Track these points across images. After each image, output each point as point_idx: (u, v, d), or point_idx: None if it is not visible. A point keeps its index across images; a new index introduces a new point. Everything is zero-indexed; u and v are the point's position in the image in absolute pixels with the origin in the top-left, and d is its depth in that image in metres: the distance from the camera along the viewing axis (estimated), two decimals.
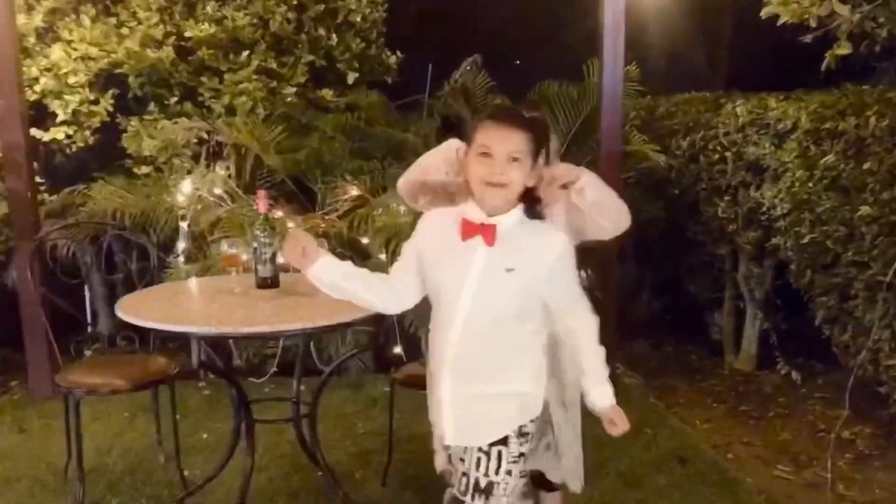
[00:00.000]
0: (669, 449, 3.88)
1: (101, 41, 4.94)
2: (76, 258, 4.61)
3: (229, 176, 4.66)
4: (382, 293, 2.20)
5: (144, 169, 4.99)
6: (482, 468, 2.12)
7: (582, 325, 2.18)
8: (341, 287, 2.16)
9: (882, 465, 3.84)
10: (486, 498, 2.10)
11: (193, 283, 3.59)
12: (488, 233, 2.04)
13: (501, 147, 1.97)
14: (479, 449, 2.13)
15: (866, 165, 3.68)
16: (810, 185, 4.09)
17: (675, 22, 7.64)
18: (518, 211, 2.08)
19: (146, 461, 3.71)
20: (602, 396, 2.16)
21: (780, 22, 4.24)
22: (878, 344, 3.79)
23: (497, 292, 2.06)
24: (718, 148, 4.93)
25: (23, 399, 4.52)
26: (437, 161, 2.33)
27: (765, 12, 4.10)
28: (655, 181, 5.51)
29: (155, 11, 5.18)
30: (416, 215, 4.41)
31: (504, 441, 2.12)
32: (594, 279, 4.83)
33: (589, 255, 4.56)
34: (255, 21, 5.41)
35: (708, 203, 5.11)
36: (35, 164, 4.67)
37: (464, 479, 2.14)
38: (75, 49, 4.88)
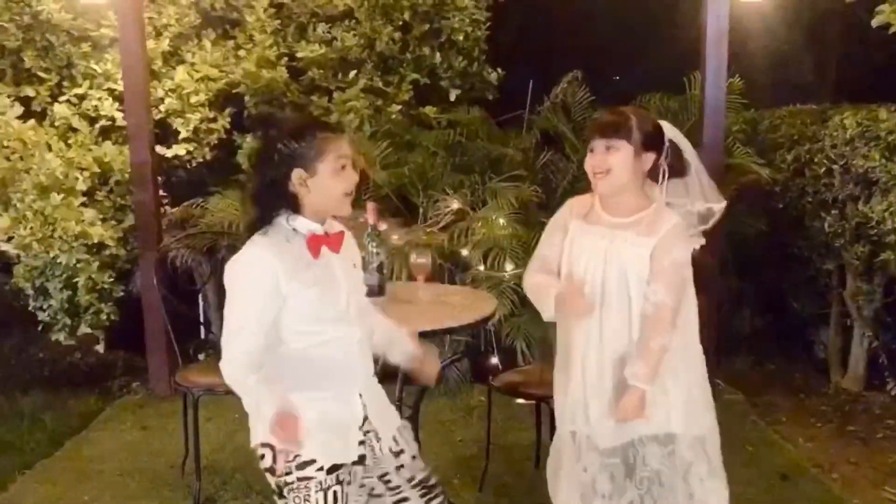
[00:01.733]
0: (771, 466, 3.83)
1: (219, 63, 5.25)
2: (193, 268, 4.91)
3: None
4: None
5: None
6: None
7: None
8: None
9: None
10: None
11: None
12: None
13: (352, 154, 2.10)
14: None
15: None
16: None
17: (782, 32, 7.49)
18: None
19: (256, 460, 3.87)
20: None
21: (892, 30, 4.16)
22: None
23: None
24: (825, 161, 4.83)
25: (144, 399, 4.82)
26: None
27: (876, 21, 4.03)
28: (759, 195, 5.43)
29: (269, 34, 5.46)
30: (515, 228, 4.52)
31: None
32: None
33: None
34: (362, 41, 5.63)
35: (814, 217, 5.00)
36: (159, 178, 4.99)
37: None
38: (197, 71, 5.19)
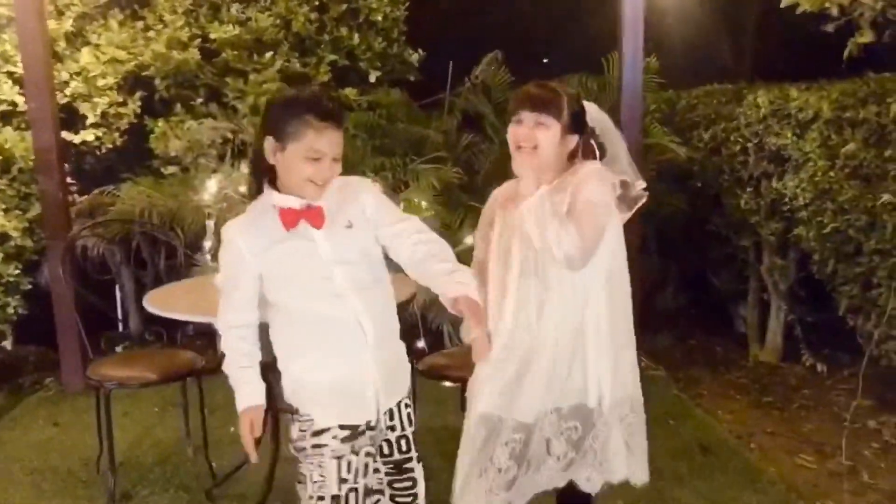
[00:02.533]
0: (692, 439, 3.89)
1: (128, 44, 5.05)
2: (106, 257, 4.74)
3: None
4: None
5: (171, 169, 5.09)
6: None
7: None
8: None
9: None
10: None
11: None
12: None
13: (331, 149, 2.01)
14: None
15: (888, 153, 3.67)
16: (832, 174, 4.07)
17: (698, 14, 7.61)
18: None
19: (175, 454, 3.80)
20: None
21: (799, 10, 4.24)
22: None
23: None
24: (740, 139, 4.92)
25: (56, 395, 4.63)
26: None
27: (785, 1, 4.10)
28: (677, 174, 5.51)
29: (181, 14, 5.28)
30: (437, 210, 4.48)
31: None
32: None
33: None
34: (277, 22, 5.49)
35: (730, 195, 5.10)
36: (66, 165, 4.78)
37: None
38: (104, 53, 4.98)
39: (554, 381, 2.28)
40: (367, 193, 2.15)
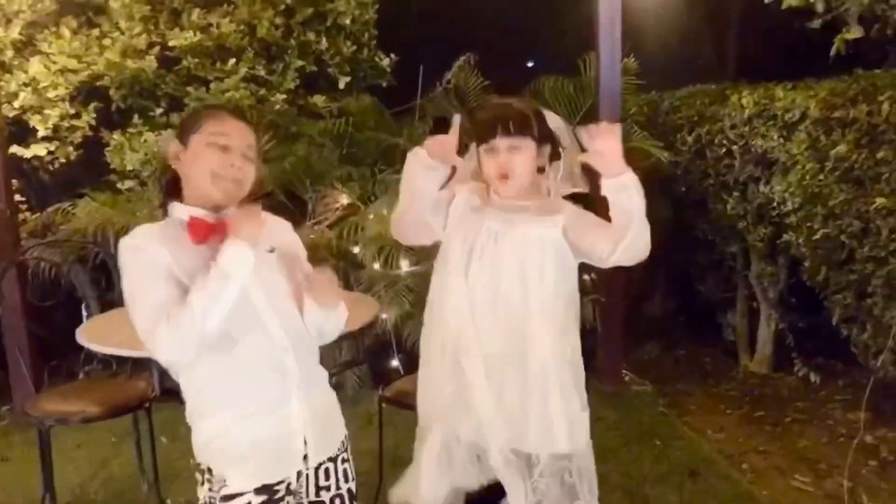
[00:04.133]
0: (680, 461, 3.67)
1: (80, 53, 4.80)
2: (61, 279, 4.47)
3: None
4: None
5: (128, 183, 4.83)
6: None
7: None
8: None
9: None
10: None
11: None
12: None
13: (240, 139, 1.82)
14: None
15: (880, 154, 3.46)
16: (821, 177, 3.87)
17: (680, 12, 7.42)
18: None
19: (130, 490, 3.55)
20: None
21: (784, 5, 4.04)
22: None
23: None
24: (725, 142, 4.72)
25: (10, 425, 4.36)
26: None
27: None
28: (661, 179, 5.29)
29: (138, 21, 5.04)
30: None
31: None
32: (597, 282, 4.65)
33: None
34: (241, 27, 5.26)
35: (716, 199, 4.90)
36: (15, 182, 4.52)
37: None
38: (54, 62, 4.73)
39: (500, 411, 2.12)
40: (292, 234, 1.99)
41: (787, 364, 4.86)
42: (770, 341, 4.97)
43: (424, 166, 2.13)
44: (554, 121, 2.24)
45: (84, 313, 5.01)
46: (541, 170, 2.18)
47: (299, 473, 1.87)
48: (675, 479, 3.49)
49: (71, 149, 4.88)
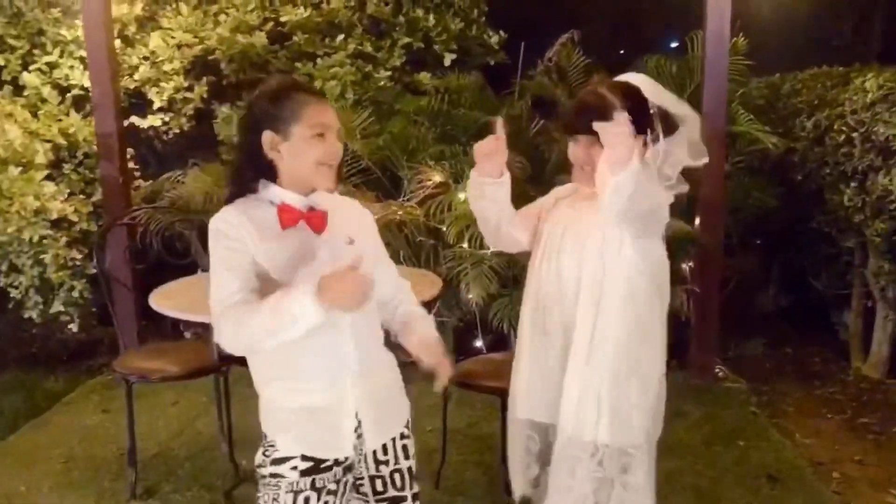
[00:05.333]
0: (760, 464, 3.48)
1: (196, 28, 5.00)
2: (173, 242, 4.69)
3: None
4: None
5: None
6: None
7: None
8: None
9: None
10: None
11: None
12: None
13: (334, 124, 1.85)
14: None
15: None
16: None
17: None
18: None
19: (209, 449, 3.72)
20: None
21: None
22: None
23: None
24: (845, 128, 4.39)
25: (112, 381, 4.64)
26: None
27: None
28: (774, 165, 5.01)
29: None
30: None
31: None
32: (693, 272, 4.46)
33: (688, 247, 4.16)
34: (351, 3, 5.33)
35: (833, 190, 4.57)
36: (130, 150, 4.79)
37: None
38: (172, 37, 4.96)
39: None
40: (368, 218, 2.04)
41: None
42: (886, 343, 4.63)
43: (475, 189, 2.22)
44: (652, 92, 2.10)
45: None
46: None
47: (355, 449, 1.90)
48: (752, 484, 3.31)
49: (184, 120, 5.10)
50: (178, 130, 5.09)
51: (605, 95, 2.04)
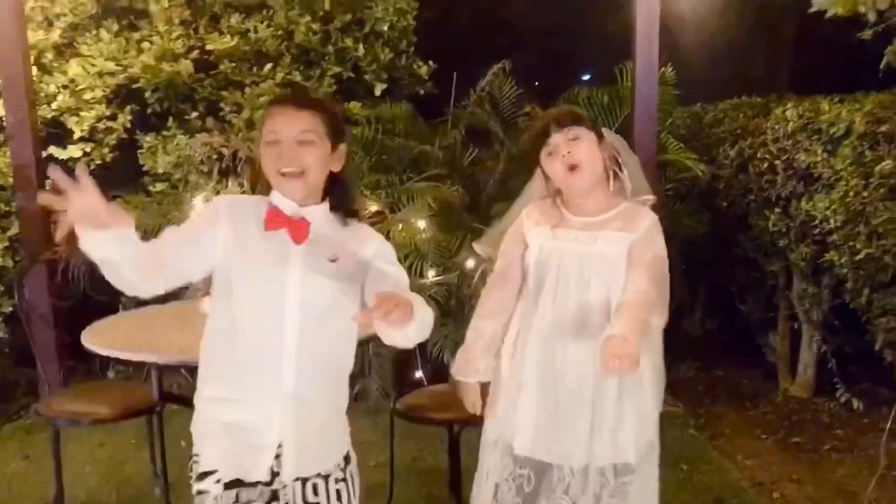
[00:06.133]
0: (706, 488, 3.52)
1: (118, 56, 4.84)
2: (95, 278, 4.49)
3: (243, 191, 4.48)
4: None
5: (160, 186, 4.85)
6: None
7: None
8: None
9: None
10: None
11: (182, 305, 3.39)
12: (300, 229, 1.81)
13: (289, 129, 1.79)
14: None
15: None
16: (865, 194, 3.69)
17: (732, 22, 7.22)
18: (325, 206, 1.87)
19: (143, 493, 3.54)
20: None
21: (828, 15, 3.87)
22: None
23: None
24: (767, 156, 4.54)
25: (35, 424, 4.38)
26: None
27: (816, 5, 3.74)
28: (701, 193, 5.13)
29: (178, 25, 5.07)
30: (434, 232, 4.18)
31: None
32: None
33: None
34: (279, 32, 5.26)
35: (758, 216, 4.71)
36: (48, 181, 4.57)
37: None
38: (93, 64, 4.78)
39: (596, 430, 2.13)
40: (373, 240, 1.93)
41: (829, 389, 4.64)
42: (812, 364, 4.77)
43: None
44: (607, 133, 2.25)
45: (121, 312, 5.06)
46: (606, 170, 2.17)
47: (275, 477, 1.81)
48: None
49: (106, 150, 4.91)
50: (99, 161, 4.88)
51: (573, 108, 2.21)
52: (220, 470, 1.78)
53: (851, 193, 3.77)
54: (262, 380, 1.79)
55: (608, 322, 2.01)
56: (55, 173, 1.51)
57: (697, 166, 4.45)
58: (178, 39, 5.02)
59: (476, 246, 2.53)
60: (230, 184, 4.53)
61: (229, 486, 1.77)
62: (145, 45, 4.98)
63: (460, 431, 2.91)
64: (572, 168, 2.10)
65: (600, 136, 2.17)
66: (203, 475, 1.79)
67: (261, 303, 1.78)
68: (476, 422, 2.81)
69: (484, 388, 2.32)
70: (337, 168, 1.87)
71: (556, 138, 2.11)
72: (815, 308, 4.63)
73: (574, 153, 2.10)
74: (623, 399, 2.10)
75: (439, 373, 4.45)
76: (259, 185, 1.91)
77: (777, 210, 4.51)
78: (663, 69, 4.52)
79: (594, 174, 2.13)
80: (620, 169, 2.18)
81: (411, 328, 1.71)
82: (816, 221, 4.18)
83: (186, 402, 3.25)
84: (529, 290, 2.20)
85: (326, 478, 1.85)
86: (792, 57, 7.64)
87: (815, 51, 7.16)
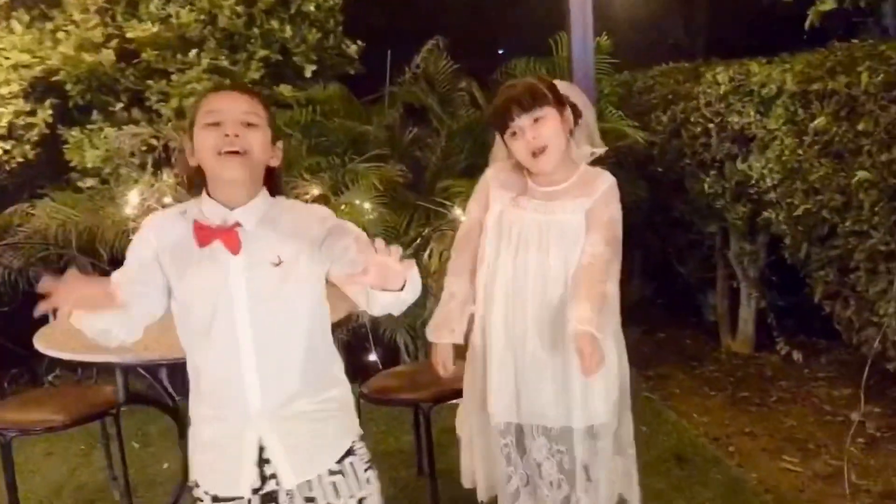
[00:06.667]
0: (667, 447, 3.61)
1: (34, 47, 4.60)
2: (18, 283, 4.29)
3: (179, 183, 4.34)
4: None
5: (89, 182, 4.66)
6: None
7: None
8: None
9: None
10: None
11: None
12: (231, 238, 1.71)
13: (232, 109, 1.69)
14: None
15: (861, 126, 3.38)
16: (800, 151, 3.80)
17: None
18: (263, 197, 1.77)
19: (102, 499, 3.42)
20: None
21: None
22: (883, 319, 3.51)
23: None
24: (700, 120, 4.64)
25: None
26: None
27: None
28: (637, 160, 5.22)
29: (94, 13, 4.84)
30: (381, 212, 4.13)
31: None
32: None
33: None
34: (202, 17, 5.07)
35: (693, 179, 4.82)
36: None
37: None
38: (7, 58, 4.54)
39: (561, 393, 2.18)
40: (319, 224, 1.77)
41: (769, 343, 4.81)
42: (751, 321, 4.92)
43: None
44: (563, 86, 2.27)
45: (50, 318, 4.85)
46: (570, 133, 2.21)
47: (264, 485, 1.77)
48: (663, 466, 3.42)
49: (28, 147, 4.67)
50: (21, 159, 4.65)
51: (530, 80, 2.21)
52: (203, 483, 1.78)
53: (787, 152, 3.88)
54: (232, 398, 1.73)
55: (565, 289, 2.11)
56: (43, 283, 1.47)
57: (637, 133, 4.51)
58: (96, 28, 4.79)
59: None
60: (165, 175, 4.37)
61: (216, 499, 1.76)
62: (60, 35, 4.75)
63: (430, 410, 2.89)
64: (537, 153, 2.12)
65: (562, 106, 2.17)
66: (193, 485, 1.80)
67: (213, 324, 1.70)
68: (446, 399, 2.84)
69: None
70: (276, 163, 1.78)
71: (520, 121, 2.12)
72: (752, 266, 4.78)
73: (539, 138, 2.11)
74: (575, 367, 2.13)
75: (391, 357, 4.44)
76: (186, 181, 1.83)
77: (712, 172, 4.62)
78: (598, 38, 4.55)
79: (559, 152, 2.15)
80: (577, 123, 2.23)
81: (407, 289, 1.62)
82: (752, 181, 4.30)
83: (151, 402, 3.19)
84: (486, 253, 2.24)
85: (320, 476, 1.80)
86: (705, 23, 7.82)
87: (729, 16, 7.33)
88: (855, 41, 3.81)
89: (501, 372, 2.21)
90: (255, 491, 1.75)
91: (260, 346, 1.71)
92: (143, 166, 4.47)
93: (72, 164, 4.67)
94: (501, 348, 2.22)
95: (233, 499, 1.76)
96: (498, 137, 2.28)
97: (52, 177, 4.72)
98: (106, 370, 3.42)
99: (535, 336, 2.16)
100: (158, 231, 1.75)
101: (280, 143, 1.80)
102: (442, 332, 2.30)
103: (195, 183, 1.77)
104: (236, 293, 1.70)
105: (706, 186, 4.66)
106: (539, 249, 2.15)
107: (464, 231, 2.36)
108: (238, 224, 1.70)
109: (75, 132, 4.63)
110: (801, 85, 3.79)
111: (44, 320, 3.78)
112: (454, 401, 2.63)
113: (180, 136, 4.43)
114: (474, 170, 4.70)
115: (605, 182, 2.20)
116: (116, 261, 4.31)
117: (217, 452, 1.77)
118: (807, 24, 3.95)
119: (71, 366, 3.69)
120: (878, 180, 3.32)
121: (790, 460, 3.53)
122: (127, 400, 2.91)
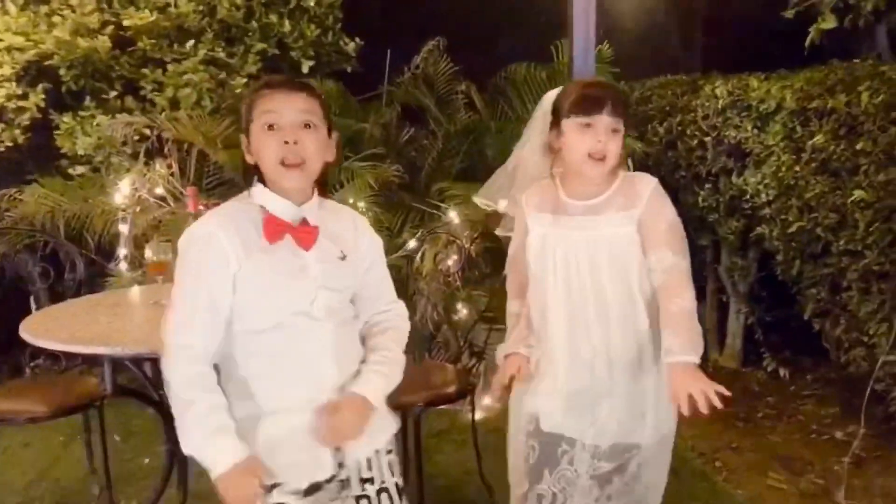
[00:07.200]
0: None
1: (28, 30, 4.54)
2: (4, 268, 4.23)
3: (171, 174, 4.29)
4: None
5: (80, 169, 4.60)
6: None
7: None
8: None
9: (881, 468, 3.58)
10: None
11: (121, 294, 3.24)
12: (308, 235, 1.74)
13: (289, 109, 1.70)
14: None
15: (859, 146, 3.39)
16: (797, 168, 3.80)
17: (649, 2, 7.34)
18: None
19: (79, 493, 3.36)
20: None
21: None
22: (873, 339, 3.51)
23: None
24: (697, 133, 4.64)
25: None
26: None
27: None
28: (632, 169, 5.20)
29: None
30: (375, 212, 4.10)
31: None
32: None
33: None
34: (200, 8, 5.03)
35: (687, 191, 4.82)
36: None
37: None
38: (0, 39, 4.47)
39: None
40: (366, 236, 1.88)
41: (756, 359, 4.82)
42: (739, 336, 4.93)
43: None
44: None
45: (33, 306, 4.78)
46: None
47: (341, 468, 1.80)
48: None
49: (18, 132, 4.60)
50: (11, 143, 4.58)
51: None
52: (290, 481, 1.73)
53: (784, 168, 3.88)
54: (309, 379, 1.74)
55: (632, 307, 2.05)
56: None
57: (635, 143, 4.50)
58: (92, 14, 4.73)
59: (476, 199, 2.48)
60: (157, 166, 4.32)
61: (304, 492, 1.74)
62: (56, 18, 4.68)
63: (420, 415, 2.86)
64: (600, 159, 2.01)
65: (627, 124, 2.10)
66: (272, 488, 1.71)
67: (292, 310, 1.72)
68: (437, 403, 2.82)
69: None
70: (332, 158, 1.78)
71: (603, 119, 2.00)
72: (743, 281, 4.79)
73: (610, 146, 2.00)
74: (644, 384, 2.11)
75: None
76: (242, 172, 1.83)
77: (707, 186, 4.62)
78: (600, 46, 4.54)
79: (609, 170, 2.06)
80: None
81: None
82: (747, 196, 4.30)
83: (138, 395, 3.14)
84: (535, 277, 2.15)
85: (378, 451, 1.84)
86: (702, 37, 7.83)
87: (729, 31, 7.35)
88: (856, 61, 3.82)
89: (563, 388, 2.12)
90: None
91: (337, 337, 1.75)
92: (135, 156, 4.41)
93: (62, 151, 4.61)
94: (564, 367, 2.12)
95: (318, 485, 1.75)
96: (532, 148, 2.23)
97: (42, 163, 4.65)
98: (91, 361, 3.36)
99: (602, 358, 2.08)
100: (225, 227, 1.70)
101: (336, 135, 1.81)
102: (518, 346, 2.22)
103: (250, 175, 1.77)
104: (311, 283, 1.72)
105: (700, 199, 4.67)
106: (592, 268, 2.05)
107: (510, 255, 2.28)
108: (306, 220, 1.73)
109: (67, 118, 4.56)
110: (800, 102, 3.80)
111: (27, 307, 3.74)
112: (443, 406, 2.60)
113: (177, 127, 4.39)
114: (470, 173, 4.71)
115: (649, 185, 2.08)
116: (104, 250, 4.27)
117: (297, 444, 1.73)
118: (808, 41, 3.94)
119: (54, 356, 3.62)
120: (874, 200, 3.32)
121: (776, 477, 3.53)
122: (114, 392, 2.85)
